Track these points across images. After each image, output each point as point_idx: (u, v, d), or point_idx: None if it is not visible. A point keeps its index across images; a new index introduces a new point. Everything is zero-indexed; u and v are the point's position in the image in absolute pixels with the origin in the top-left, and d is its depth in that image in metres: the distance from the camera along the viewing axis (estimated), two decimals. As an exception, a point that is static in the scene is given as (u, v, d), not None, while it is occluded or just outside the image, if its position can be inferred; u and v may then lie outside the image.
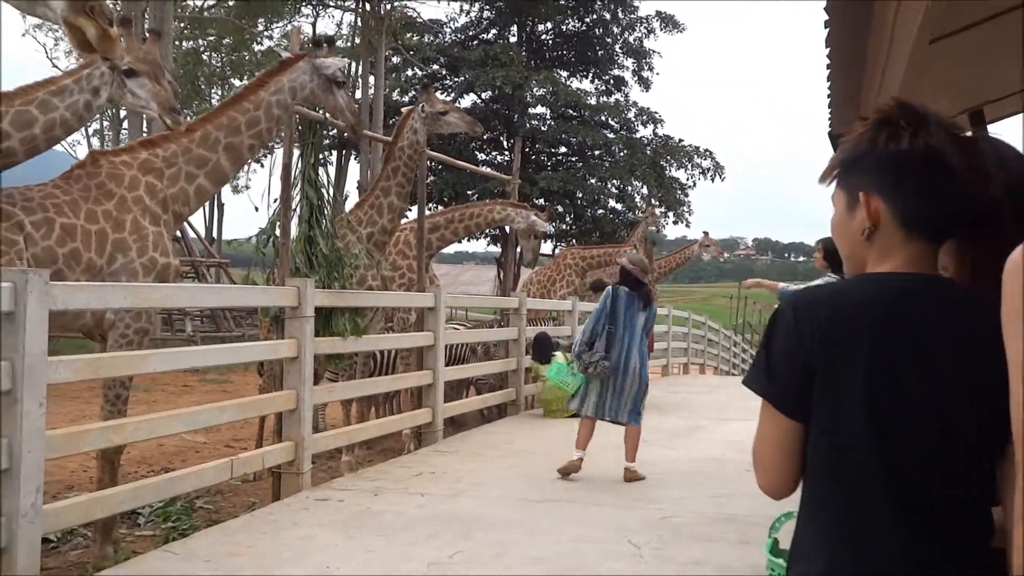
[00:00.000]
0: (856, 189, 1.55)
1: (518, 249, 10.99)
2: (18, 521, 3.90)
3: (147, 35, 5.50)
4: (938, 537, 1.43)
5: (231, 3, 28.99)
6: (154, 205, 5.41)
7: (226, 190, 36.50)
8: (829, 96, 5.42)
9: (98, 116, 25.68)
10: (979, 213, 1.50)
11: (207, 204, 37.41)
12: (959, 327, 1.44)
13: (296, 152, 6.88)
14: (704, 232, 18.70)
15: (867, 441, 1.43)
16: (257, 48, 31.67)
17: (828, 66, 5.03)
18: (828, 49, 4.73)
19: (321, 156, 7.11)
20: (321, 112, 7.37)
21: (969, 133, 1.79)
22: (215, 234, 36.00)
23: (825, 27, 4.38)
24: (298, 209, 6.84)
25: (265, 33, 31.20)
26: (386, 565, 4.56)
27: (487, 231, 23.70)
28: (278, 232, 6.69)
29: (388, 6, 26.41)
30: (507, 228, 11.06)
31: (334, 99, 6.28)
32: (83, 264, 5.01)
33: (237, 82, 32.45)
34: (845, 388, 1.43)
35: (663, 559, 4.78)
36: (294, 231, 6.81)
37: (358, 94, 27.49)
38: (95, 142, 29.53)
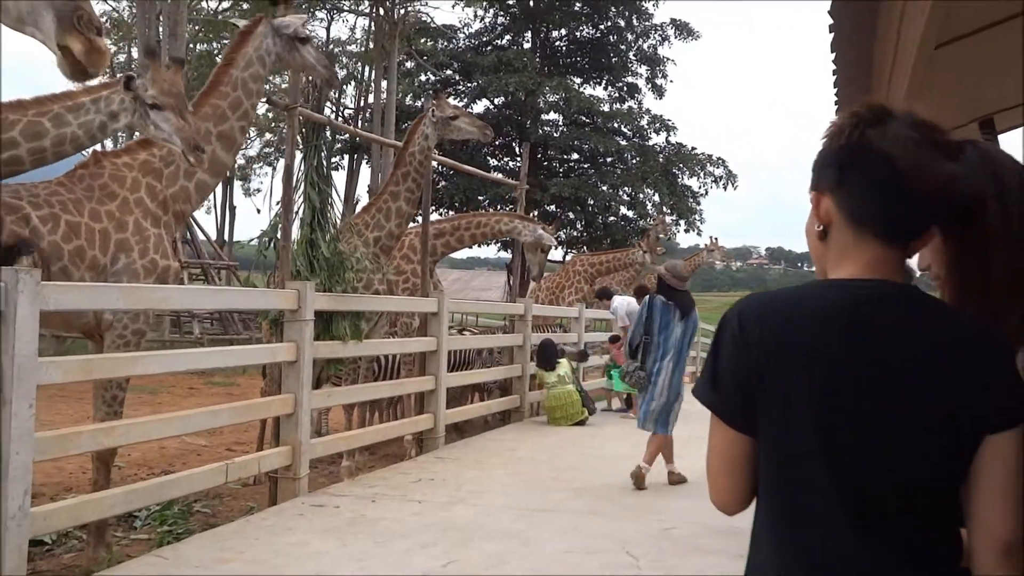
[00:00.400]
0: (813, 190, 1.50)
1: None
2: (5, 524, 3.85)
3: (169, 63, 5.39)
4: (898, 555, 1.36)
5: (245, 6, 29.08)
6: (155, 207, 5.40)
7: (237, 192, 36.59)
8: (836, 104, 5.35)
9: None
10: (936, 213, 1.43)
11: (219, 206, 37.52)
12: (923, 336, 1.37)
13: (299, 154, 6.84)
14: (712, 238, 18.64)
15: (817, 454, 1.36)
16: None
17: (834, 72, 4.95)
18: (833, 55, 4.66)
19: (333, 160, 7.08)
20: (326, 115, 7.34)
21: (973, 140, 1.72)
22: (226, 236, 36.08)
23: (830, 31, 4.30)
24: (300, 212, 6.80)
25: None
26: (379, 573, 4.49)
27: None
28: (280, 235, 6.65)
29: (402, 11, 26.46)
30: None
31: (301, 57, 6.15)
32: (87, 262, 4.99)
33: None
34: (794, 400, 1.36)
35: (661, 571, 4.70)
36: (296, 234, 6.77)
37: (371, 98, 27.54)
38: (108, 143, 29.68)
